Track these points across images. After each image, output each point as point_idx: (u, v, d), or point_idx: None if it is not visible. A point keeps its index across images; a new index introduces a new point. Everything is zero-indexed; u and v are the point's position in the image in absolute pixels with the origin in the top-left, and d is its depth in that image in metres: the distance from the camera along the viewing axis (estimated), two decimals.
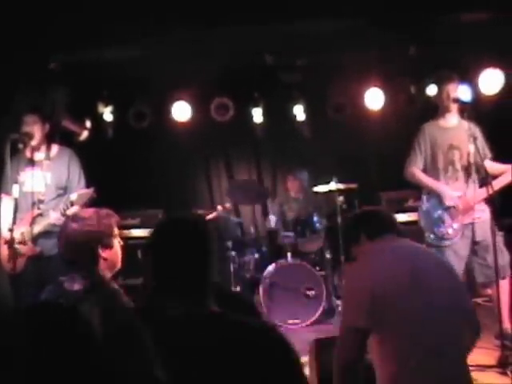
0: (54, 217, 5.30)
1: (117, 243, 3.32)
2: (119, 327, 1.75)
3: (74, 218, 3.28)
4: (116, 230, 3.34)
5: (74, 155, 5.69)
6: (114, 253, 3.30)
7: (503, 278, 5.32)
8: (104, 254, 3.22)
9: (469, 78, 6.52)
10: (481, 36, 6.41)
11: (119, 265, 3.34)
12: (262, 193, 8.20)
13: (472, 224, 5.47)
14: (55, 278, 5.12)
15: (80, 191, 5.36)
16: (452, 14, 6.11)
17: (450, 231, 5.52)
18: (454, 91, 5.61)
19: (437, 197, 5.61)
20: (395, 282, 2.84)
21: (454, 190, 5.58)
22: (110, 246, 3.26)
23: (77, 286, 3.12)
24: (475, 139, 5.39)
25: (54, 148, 5.65)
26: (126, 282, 6.42)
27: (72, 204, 5.27)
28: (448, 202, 5.55)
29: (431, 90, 6.57)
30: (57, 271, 5.31)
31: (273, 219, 8.19)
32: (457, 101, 5.54)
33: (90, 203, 5.29)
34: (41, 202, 5.38)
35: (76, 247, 3.19)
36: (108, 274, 3.27)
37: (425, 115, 6.05)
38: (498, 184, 5.33)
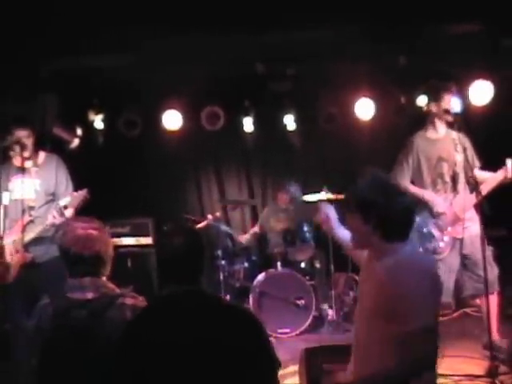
0: (51, 217, 5.30)
1: None
2: None
3: (90, 222, 3.33)
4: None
5: (61, 161, 5.70)
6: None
7: (491, 293, 5.33)
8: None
9: (459, 88, 6.55)
10: (470, 47, 6.45)
11: None
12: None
13: (461, 239, 5.47)
14: (45, 285, 5.12)
15: (73, 193, 5.37)
16: (442, 24, 6.14)
17: (442, 245, 5.53)
18: (450, 101, 5.63)
19: (426, 209, 5.61)
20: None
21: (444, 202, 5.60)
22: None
23: (90, 295, 3.15)
24: (465, 149, 5.42)
25: (41, 155, 5.66)
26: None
27: (66, 207, 5.28)
28: (439, 209, 5.56)
29: (421, 100, 6.59)
30: (47, 278, 5.34)
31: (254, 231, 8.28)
32: (448, 111, 5.56)
33: (84, 205, 5.31)
34: (31, 208, 5.38)
35: (94, 249, 3.22)
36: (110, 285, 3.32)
37: (415, 125, 6.07)
38: (486, 187, 5.34)
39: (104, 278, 3.27)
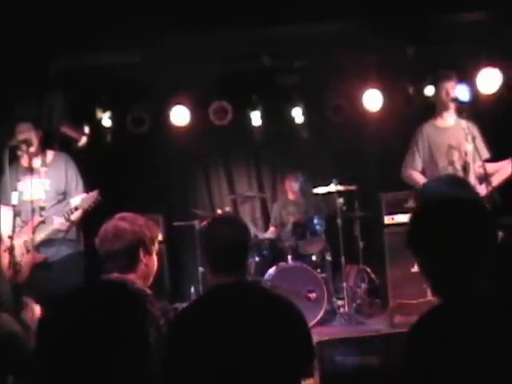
0: (57, 222, 5.31)
1: (154, 255, 3.25)
2: None
3: (122, 217, 3.20)
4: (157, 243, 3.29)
5: (70, 160, 5.71)
6: (152, 262, 3.23)
7: None
8: (144, 259, 3.17)
9: (467, 77, 6.52)
10: (478, 35, 6.42)
11: (151, 279, 3.28)
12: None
13: None
14: (56, 284, 5.13)
15: (84, 195, 5.37)
16: (449, 13, 6.11)
17: None
18: (453, 89, 5.62)
19: None
20: None
21: None
22: (150, 253, 3.20)
23: None
24: (474, 138, 5.40)
25: (50, 154, 5.66)
26: None
27: (76, 208, 5.28)
28: None
29: (429, 90, 6.56)
30: (57, 278, 5.35)
31: (272, 230, 8.24)
32: (455, 100, 5.54)
33: (96, 206, 5.31)
34: (42, 209, 5.39)
35: (122, 243, 3.12)
36: (139, 283, 3.16)
37: (423, 116, 6.06)
38: (496, 180, 5.33)
39: (133, 275, 3.14)
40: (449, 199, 2.45)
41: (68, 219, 5.26)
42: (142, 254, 3.15)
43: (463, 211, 2.26)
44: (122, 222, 3.17)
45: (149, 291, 3.13)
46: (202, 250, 3.13)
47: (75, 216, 5.31)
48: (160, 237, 3.37)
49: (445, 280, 2.22)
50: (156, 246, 3.27)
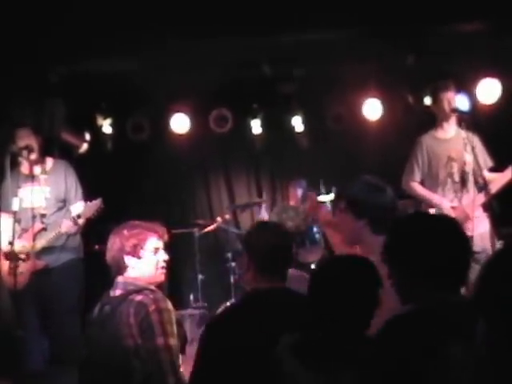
0: (65, 225, 5.32)
1: (149, 255, 3.54)
2: None
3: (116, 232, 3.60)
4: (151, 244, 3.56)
5: (70, 167, 5.72)
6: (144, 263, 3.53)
7: None
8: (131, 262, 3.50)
9: (467, 87, 6.53)
10: (478, 45, 6.43)
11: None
12: None
13: (471, 236, 5.46)
14: (57, 290, 5.17)
15: (87, 203, 5.39)
16: (449, 23, 6.12)
17: None
18: (453, 100, 5.63)
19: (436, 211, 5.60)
20: None
21: (452, 202, 5.60)
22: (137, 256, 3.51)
23: (118, 292, 3.46)
24: (473, 148, 5.40)
25: (49, 161, 5.67)
26: None
27: (79, 216, 5.29)
28: (447, 213, 5.55)
29: (429, 99, 6.58)
30: (57, 284, 5.36)
31: None
32: (455, 111, 5.55)
33: (99, 214, 5.33)
34: (43, 216, 5.39)
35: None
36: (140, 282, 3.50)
37: (423, 125, 6.06)
38: (495, 186, 5.34)
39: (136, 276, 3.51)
40: (425, 219, 2.61)
41: (76, 223, 5.28)
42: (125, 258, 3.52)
43: (439, 236, 2.39)
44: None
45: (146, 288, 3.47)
46: (245, 255, 3.12)
47: (80, 223, 5.34)
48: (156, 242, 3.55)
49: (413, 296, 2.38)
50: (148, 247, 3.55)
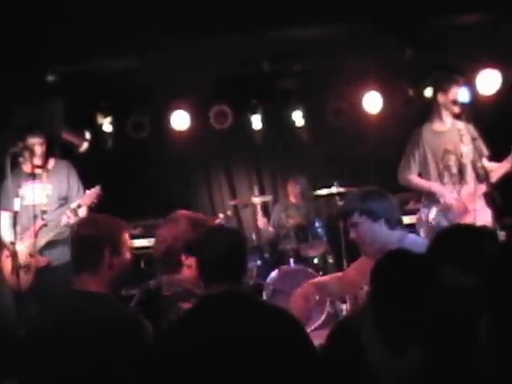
0: (65, 217, 5.33)
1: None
2: None
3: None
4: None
5: (72, 167, 5.74)
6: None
7: None
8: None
9: (466, 78, 6.52)
10: (477, 36, 6.42)
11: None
12: None
13: None
14: (61, 287, 5.16)
15: (86, 192, 5.41)
16: (447, 15, 6.12)
17: None
18: (458, 93, 5.61)
19: (436, 203, 5.59)
20: None
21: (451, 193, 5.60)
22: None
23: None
24: (474, 140, 5.39)
25: (51, 161, 5.68)
26: (130, 293, 6.40)
27: (80, 206, 5.30)
28: (447, 200, 5.54)
29: (429, 92, 6.57)
30: (62, 281, 5.35)
31: (271, 231, 8.23)
32: (456, 102, 5.54)
33: (98, 202, 5.34)
34: (44, 212, 5.41)
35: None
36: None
37: (423, 118, 6.05)
38: (495, 175, 5.34)
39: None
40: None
41: (76, 214, 5.28)
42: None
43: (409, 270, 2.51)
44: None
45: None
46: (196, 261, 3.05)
47: (83, 213, 5.34)
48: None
49: None
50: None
